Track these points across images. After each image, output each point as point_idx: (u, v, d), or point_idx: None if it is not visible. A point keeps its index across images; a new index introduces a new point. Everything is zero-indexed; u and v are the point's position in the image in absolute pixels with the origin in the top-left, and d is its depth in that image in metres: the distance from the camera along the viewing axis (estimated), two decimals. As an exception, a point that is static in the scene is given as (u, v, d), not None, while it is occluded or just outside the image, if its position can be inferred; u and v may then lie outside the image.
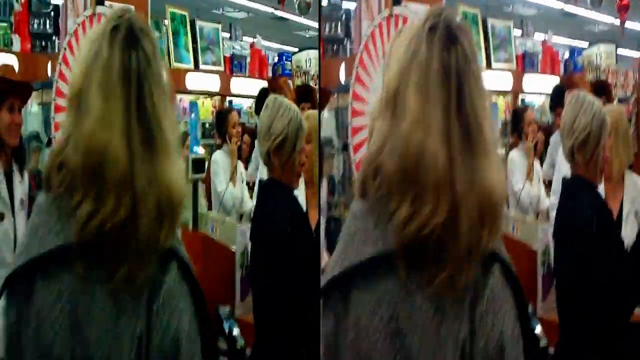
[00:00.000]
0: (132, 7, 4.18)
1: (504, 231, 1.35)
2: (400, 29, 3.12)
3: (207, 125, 5.75)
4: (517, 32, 6.16)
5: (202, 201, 4.78)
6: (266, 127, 2.73)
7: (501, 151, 4.75)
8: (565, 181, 2.63)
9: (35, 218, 1.38)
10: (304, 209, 2.89)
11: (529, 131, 4.68)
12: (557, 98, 4.86)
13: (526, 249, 4.06)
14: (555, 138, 4.68)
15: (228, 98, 6.81)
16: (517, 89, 5.84)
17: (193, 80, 6.35)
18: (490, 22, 5.81)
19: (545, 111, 5.88)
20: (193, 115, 5.75)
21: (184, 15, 6.42)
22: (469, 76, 1.22)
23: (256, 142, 3.71)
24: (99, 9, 3.70)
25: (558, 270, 2.72)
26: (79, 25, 3.82)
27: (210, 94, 6.61)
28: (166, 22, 6.20)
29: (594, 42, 6.81)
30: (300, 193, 2.93)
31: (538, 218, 4.62)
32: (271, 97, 2.85)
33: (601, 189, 2.81)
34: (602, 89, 5.05)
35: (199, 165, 4.47)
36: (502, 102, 5.73)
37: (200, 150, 4.86)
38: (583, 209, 2.47)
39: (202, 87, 6.48)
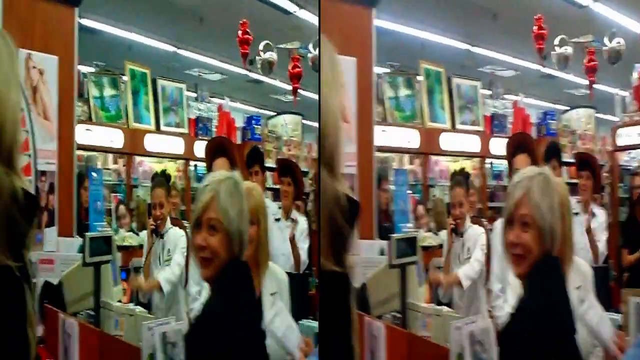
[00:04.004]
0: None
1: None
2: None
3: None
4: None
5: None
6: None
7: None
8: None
9: None
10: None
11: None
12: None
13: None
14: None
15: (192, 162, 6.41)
16: (485, 152, 5.41)
17: (153, 142, 6.05)
18: (456, 81, 5.43)
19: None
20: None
21: (145, 73, 6.14)
22: None
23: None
24: None
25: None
26: None
27: (173, 157, 6.29)
28: (125, 78, 5.94)
29: (574, 106, 6.41)
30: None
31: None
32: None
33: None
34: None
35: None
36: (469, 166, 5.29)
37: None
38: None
39: (164, 150, 6.18)
